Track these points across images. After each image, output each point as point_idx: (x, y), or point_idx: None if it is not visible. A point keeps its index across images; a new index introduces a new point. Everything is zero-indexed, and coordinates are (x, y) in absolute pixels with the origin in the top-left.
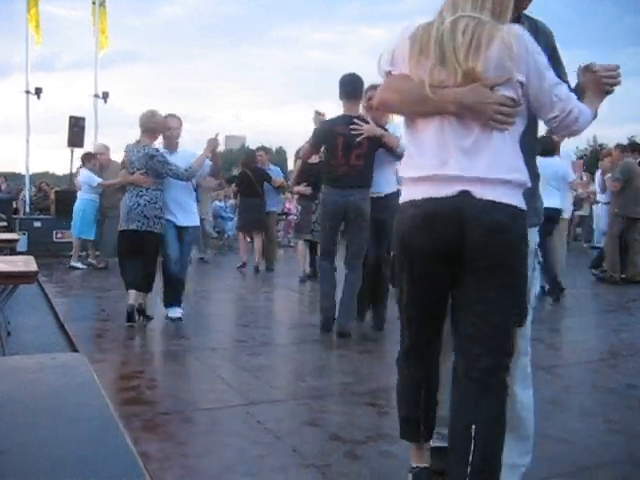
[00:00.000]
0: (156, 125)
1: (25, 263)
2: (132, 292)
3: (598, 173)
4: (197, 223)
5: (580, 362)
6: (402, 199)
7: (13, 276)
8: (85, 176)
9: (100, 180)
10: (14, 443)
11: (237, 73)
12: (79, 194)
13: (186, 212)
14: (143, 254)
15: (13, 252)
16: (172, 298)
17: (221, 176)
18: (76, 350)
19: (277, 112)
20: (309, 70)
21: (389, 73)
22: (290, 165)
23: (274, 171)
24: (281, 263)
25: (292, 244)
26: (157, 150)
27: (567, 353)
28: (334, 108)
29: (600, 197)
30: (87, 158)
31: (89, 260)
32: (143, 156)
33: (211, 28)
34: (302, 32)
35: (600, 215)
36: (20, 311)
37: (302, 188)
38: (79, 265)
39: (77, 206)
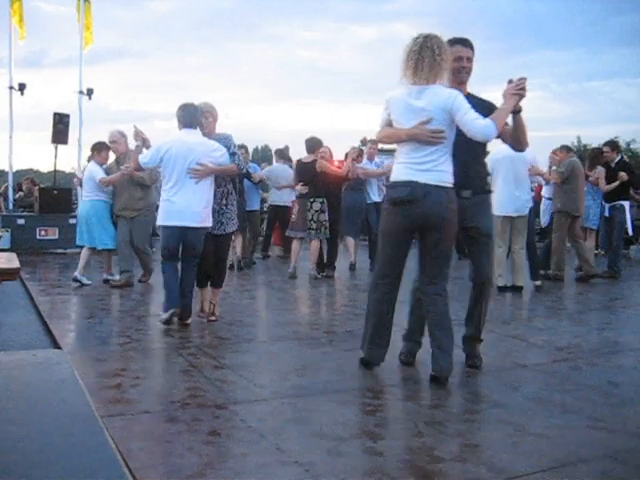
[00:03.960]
0: None
1: (7, 260)
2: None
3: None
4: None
5: (562, 360)
6: None
7: None
8: (90, 171)
9: (103, 176)
10: None
11: (226, 69)
12: (83, 194)
13: None
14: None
15: None
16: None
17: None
18: (59, 348)
19: (264, 109)
20: (298, 68)
21: None
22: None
23: (252, 168)
24: (264, 261)
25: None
26: None
27: (549, 351)
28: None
29: (544, 191)
30: (96, 149)
31: (105, 276)
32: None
33: (201, 22)
34: (292, 29)
35: (544, 211)
36: (2, 309)
37: (300, 187)
38: (84, 280)
39: (81, 210)
